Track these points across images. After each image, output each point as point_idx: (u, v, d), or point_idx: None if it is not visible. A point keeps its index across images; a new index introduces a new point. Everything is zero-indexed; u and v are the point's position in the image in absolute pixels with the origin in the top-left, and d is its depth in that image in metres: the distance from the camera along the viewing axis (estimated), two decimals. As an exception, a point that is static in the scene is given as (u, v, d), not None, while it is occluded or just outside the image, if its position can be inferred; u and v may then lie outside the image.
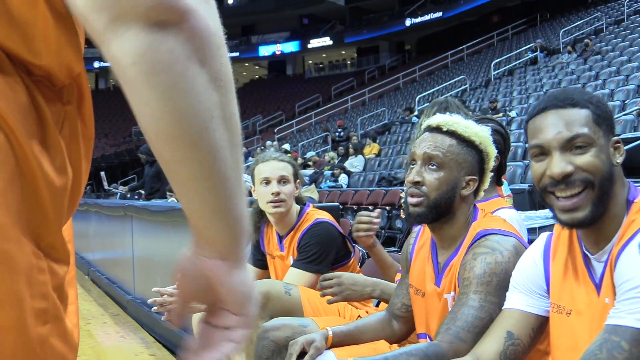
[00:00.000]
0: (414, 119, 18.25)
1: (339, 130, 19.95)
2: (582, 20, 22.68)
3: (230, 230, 0.76)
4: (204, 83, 0.68)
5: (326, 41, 39.33)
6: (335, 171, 13.36)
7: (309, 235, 2.67)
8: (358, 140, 17.39)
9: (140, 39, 0.64)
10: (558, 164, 1.41)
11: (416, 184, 1.87)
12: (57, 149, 0.72)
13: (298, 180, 2.76)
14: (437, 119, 1.92)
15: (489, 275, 1.72)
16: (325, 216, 2.80)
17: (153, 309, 2.57)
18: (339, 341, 1.99)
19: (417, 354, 1.67)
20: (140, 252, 5.92)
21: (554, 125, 1.43)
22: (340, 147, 16.28)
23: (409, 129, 17.58)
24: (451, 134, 1.88)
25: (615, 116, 9.28)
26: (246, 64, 44.77)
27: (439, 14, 33.77)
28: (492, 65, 21.86)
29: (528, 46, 22.42)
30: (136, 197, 10.31)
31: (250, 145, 25.97)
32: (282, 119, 32.13)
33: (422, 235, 2.04)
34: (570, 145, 1.41)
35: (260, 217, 2.85)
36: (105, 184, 12.82)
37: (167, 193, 8.20)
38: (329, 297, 2.32)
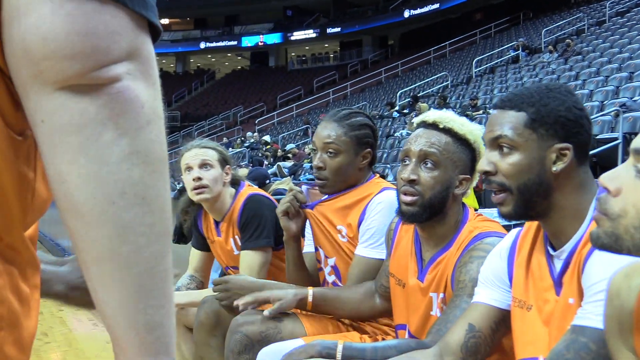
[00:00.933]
0: (395, 114, 18.29)
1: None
2: (564, 21, 22.82)
3: (139, 335, 0.64)
4: (120, 154, 0.61)
5: (309, 34, 39.25)
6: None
7: (246, 212, 2.63)
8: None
9: (54, 97, 0.60)
10: (482, 161, 1.45)
11: (411, 182, 1.83)
12: (23, 144, 0.67)
13: (228, 165, 2.70)
14: (434, 115, 1.88)
15: None
16: (260, 192, 2.77)
17: None
18: (317, 306, 2.03)
19: (405, 350, 1.67)
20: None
21: (490, 124, 1.46)
22: (321, 140, 16.26)
23: (389, 123, 17.60)
24: (447, 131, 1.84)
25: (593, 117, 9.34)
26: (228, 55, 44.61)
27: (436, 5, 33.64)
28: (474, 62, 21.94)
29: (510, 44, 22.53)
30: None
31: (231, 135, 25.90)
32: (264, 110, 32.07)
33: (402, 225, 2.01)
34: (496, 144, 1.43)
35: (188, 203, 2.82)
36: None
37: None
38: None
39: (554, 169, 1.39)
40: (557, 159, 1.39)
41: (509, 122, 1.42)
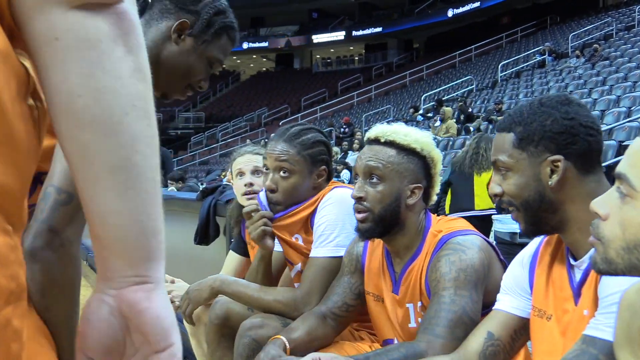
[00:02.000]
0: (419, 118, 18.23)
1: (344, 126, 19.92)
2: (592, 25, 22.59)
3: (148, 240, 0.69)
4: (129, 69, 0.66)
5: (335, 36, 39.26)
6: (337, 167, 13.35)
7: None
8: (362, 137, 17.35)
9: (68, 15, 0.63)
10: (490, 185, 1.50)
11: (359, 199, 1.86)
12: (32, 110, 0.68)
13: None
14: (375, 130, 1.91)
15: (456, 271, 1.72)
16: None
17: None
18: (294, 350, 1.93)
19: (396, 354, 1.66)
20: (138, 239, 5.92)
21: (492, 148, 1.51)
22: (344, 143, 16.26)
23: (413, 127, 17.52)
24: (390, 144, 1.86)
25: (620, 123, 9.25)
26: (254, 56, 44.74)
27: (477, 4, 33.27)
28: (499, 66, 21.81)
29: (536, 49, 22.34)
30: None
31: (255, 137, 25.97)
32: (288, 112, 32.10)
33: (372, 242, 2.02)
34: (497, 168, 1.48)
35: (240, 211, 2.84)
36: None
37: (169, 182, 8.20)
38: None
39: (550, 182, 1.40)
40: (552, 172, 1.41)
41: (501, 145, 1.46)
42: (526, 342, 1.58)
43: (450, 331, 1.65)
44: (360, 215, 1.86)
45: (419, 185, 1.87)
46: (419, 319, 1.86)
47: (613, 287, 1.27)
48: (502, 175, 1.46)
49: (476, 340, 1.58)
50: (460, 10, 33.67)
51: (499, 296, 1.63)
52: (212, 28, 1.47)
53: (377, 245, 2.02)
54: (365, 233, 1.88)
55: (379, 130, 1.89)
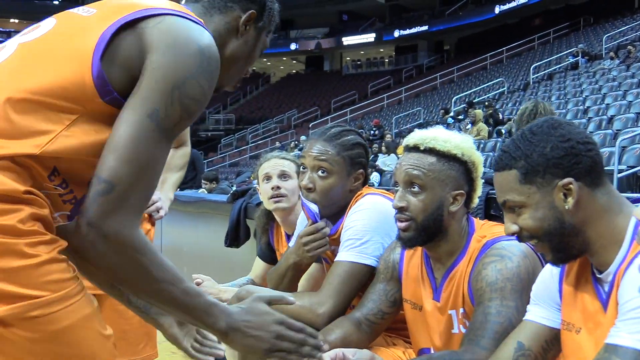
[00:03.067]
0: (449, 120, 18.11)
1: (374, 129, 19.87)
2: (626, 26, 22.24)
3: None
4: None
5: (365, 38, 39.21)
6: (367, 169, 13.30)
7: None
8: (392, 139, 17.29)
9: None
10: (505, 225, 1.47)
11: (401, 209, 1.84)
12: None
13: None
14: (414, 137, 1.87)
15: (502, 281, 1.70)
16: None
17: None
18: None
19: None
20: (169, 242, 5.96)
21: (495, 189, 1.49)
22: (374, 146, 16.22)
23: (452, 131, 17.41)
24: (430, 151, 1.83)
25: (655, 125, 9.10)
26: (284, 59, 44.88)
27: (512, 4, 32.69)
28: (531, 68, 21.58)
29: (569, 50, 22.08)
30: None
31: (285, 139, 26.03)
32: (318, 114, 32.13)
33: (407, 251, 1.99)
34: (507, 208, 1.45)
35: (267, 218, 2.84)
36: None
37: (202, 181, 8.27)
38: None
39: (566, 206, 1.39)
40: (566, 196, 1.39)
41: (506, 184, 1.44)
42: (558, 353, 1.56)
43: (496, 343, 1.62)
44: (402, 225, 1.84)
45: (461, 191, 1.84)
46: (461, 326, 1.84)
47: (630, 292, 1.27)
48: (515, 214, 1.44)
49: (506, 350, 1.56)
50: (499, 9, 33.35)
51: (529, 307, 1.61)
52: (275, 18, 1.45)
53: (415, 252, 1.99)
54: (408, 242, 1.86)
55: (418, 137, 1.86)
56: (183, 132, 2.50)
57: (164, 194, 2.54)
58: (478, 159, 1.88)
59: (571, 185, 1.38)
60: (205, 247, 4.55)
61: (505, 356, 1.55)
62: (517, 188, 1.42)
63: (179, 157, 2.67)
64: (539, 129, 1.43)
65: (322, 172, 2.12)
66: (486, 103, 17.87)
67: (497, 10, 33.13)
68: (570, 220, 1.39)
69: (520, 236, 1.46)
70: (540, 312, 1.57)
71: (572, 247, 1.42)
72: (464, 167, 1.85)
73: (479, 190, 1.91)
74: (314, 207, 2.18)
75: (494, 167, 1.48)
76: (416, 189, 1.83)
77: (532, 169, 1.40)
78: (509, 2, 32.46)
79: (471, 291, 1.79)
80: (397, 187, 1.88)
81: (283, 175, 2.65)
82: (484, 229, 1.87)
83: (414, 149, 1.87)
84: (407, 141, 1.90)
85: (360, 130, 15.10)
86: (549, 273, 1.58)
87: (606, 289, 1.39)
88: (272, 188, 2.62)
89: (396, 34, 37.98)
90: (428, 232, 1.83)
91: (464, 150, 1.84)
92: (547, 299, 1.56)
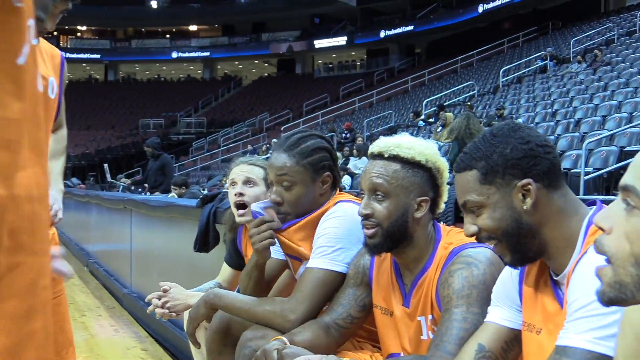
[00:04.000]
0: (420, 123, 18.23)
1: (346, 132, 19.92)
2: (593, 30, 22.58)
3: None
4: None
5: (337, 41, 39.32)
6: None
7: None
8: (363, 142, 17.35)
9: None
10: (465, 226, 1.51)
11: (366, 217, 1.86)
12: None
13: None
14: (379, 145, 1.89)
15: (468, 288, 1.71)
16: None
17: (149, 308, 2.57)
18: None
19: None
20: (138, 246, 5.92)
21: (456, 190, 1.51)
22: (346, 149, 16.26)
23: (414, 132, 17.55)
24: (394, 158, 1.85)
25: (621, 128, 9.24)
26: (255, 61, 44.83)
27: (480, 10, 33.04)
28: (501, 72, 21.81)
29: (538, 54, 22.35)
30: (139, 190, 10.33)
31: (257, 142, 25.98)
32: (290, 117, 32.15)
33: (378, 255, 2.00)
34: (467, 209, 1.48)
35: (235, 220, 2.77)
36: (108, 175, 12.84)
37: (172, 187, 8.22)
38: None
39: (524, 207, 1.42)
40: (524, 196, 1.42)
41: (467, 185, 1.47)
42: (519, 354, 1.58)
43: (461, 349, 1.64)
44: (369, 232, 1.85)
45: (426, 197, 1.85)
46: (430, 332, 1.85)
47: (576, 292, 1.30)
48: (475, 215, 1.47)
49: (467, 352, 1.58)
50: (464, 16, 33.67)
51: (489, 308, 1.63)
52: None
53: (384, 258, 2.00)
54: (374, 248, 1.87)
55: (383, 144, 1.88)
56: (60, 113, 2.42)
57: (54, 188, 2.37)
58: (443, 165, 1.90)
59: (530, 186, 1.41)
60: (175, 252, 4.53)
61: (467, 358, 1.56)
62: (477, 188, 1.45)
63: (57, 140, 2.51)
64: (500, 132, 1.47)
65: (286, 185, 2.14)
66: (469, 103, 18.02)
67: (469, 14, 33.43)
68: (527, 220, 1.42)
69: (479, 237, 1.48)
70: (501, 314, 1.59)
71: (529, 249, 1.45)
72: (428, 173, 1.86)
73: (445, 196, 1.92)
74: (256, 207, 2.19)
75: (455, 169, 1.51)
76: (380, 196, 1.84)
77: (492, 169, 1.43)
78: (480, 6, 32.76)
79: (439, 298, 1.81)
80: (363, 194, 1.89)
81: (248, 182, 2.62)
82: (451, 236, 1.88)
83: (379, 156, 1.88)
84: (372, 148, 1.92)
85: (330, 134, 15.07)
86: (509, 275, 1.61)
87: (563, 290, 1.42)
88: (236, 194, 2.61)
89: (368, 37, 38.13)
90: (393, 239, 1.84)
91: (428, 157, 1.85)
92: (507, 300, 1.58)
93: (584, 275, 1.29)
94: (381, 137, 1.96)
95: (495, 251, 1.51)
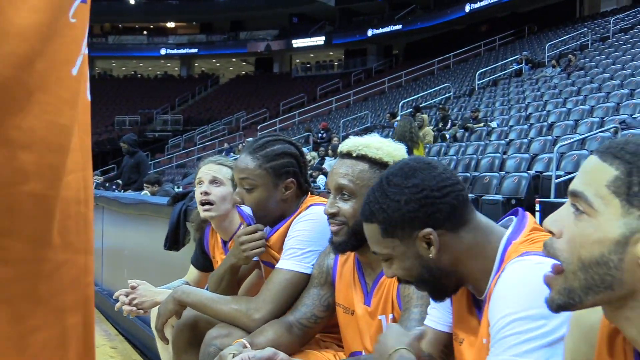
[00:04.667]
0: (396, 124, 18.29)
1: (322, 132, 19.94)
2: (568, 35, 22.83)
3: None
4: None
5: (315, 41, 39.32)
6: (313, 173, 13.35)
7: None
8: (339, 142, 17.38)
9: None
10: (384, 270, 1.48)
11: (332, 215, 1.88)
12: None
13: None
14: (348, 144, 1.90)
15: None
16: None
17: (116, 305, 2.57)
18: None
19: None
20: (110, 243, 5.89)
21: (368, 239, 1.48)
22: (321, 149, 16.29)
23: (390, 133, 17.61)
24: (362, 158, 1.87)
25: (593, 133, 9.38)
26: (233, 60, 44.68)
27: (424, 21, 33.31)
28: (477, 74, 21.96)
29: (514, 58, 22.54)
30: (113, 187, 10.25)
31: (233, 141, 25.91)
32: (266, 116, 32.10)
33: (342, 255, 2.02)
34: (380, 256, 1.46)
35: (203, 219, 2.77)
36: (81, 172, 12.72)
37: (144, 185, 8.16)
38: None
39: (430, 255, 1.39)
40: (428, 245, 1.39)
41: (372, 236, 1.45)
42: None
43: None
44: (334, 228, 1.88)
45: None
46: None
47: (493, 316, 1.29)
48: (387, 262, 1.45)
49: None
50: (443, 19, 33.86)
51: (428, 309, 1.64)
52: None
53: (347, 258, 2.02)
54: (339, 246, 1.89)
55: (352, 143, 1.89)
56: None
57: None
58: None
59: (431, 236, 1.38)
60: (146, 249, 4.52)
61: None
62: (381, 241, 1.43)
63: None
64: (395, 178, 1.42)
65: (247, 187, 2.15)
66: (440, 106, 18.13)
67: (447, 16, 33.61)
68: (437, 265, 1.40)
69: (398, 280, 1.49)
70: (438, 317, 1.60)
71: (446, 287, 1.44)
72: None
73: None
74: (248, 210, 2.19)
75: (361, 216, 1.49)
76: (346, 195, 1.86)
77: (391, 224, 1.40)
78: (458, 9, 32.97)
79: (399, 298, 1.82)
80: (329, 193, 1.91)
81: (214, 181, 2.61)
82: None
83: (347, 155, 1.89)
84: (341, 147, 1.93)
85: (307, 134, 15.05)
86: None
87: (483, 308, 1.42)
88: (201, 193, 2.61)
89: (346, 37, 38.18)
90: (358, 237, 1.84)
91: (396, 158, 1.85)
92: (443, 304, 1.58)
93: (500, 296, 1.29)
94: (351, 137, 1.97)
95: (418, 290, 1.51)
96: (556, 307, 1.03)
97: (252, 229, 2.18)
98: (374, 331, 1.91)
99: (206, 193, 2.59)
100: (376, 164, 1.86)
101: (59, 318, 0.78)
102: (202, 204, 2.60)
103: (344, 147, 1.91)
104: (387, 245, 1.42)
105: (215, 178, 2.62)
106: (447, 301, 1.57)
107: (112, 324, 5.16)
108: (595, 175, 0.99)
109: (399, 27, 35.68)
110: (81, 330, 0.85)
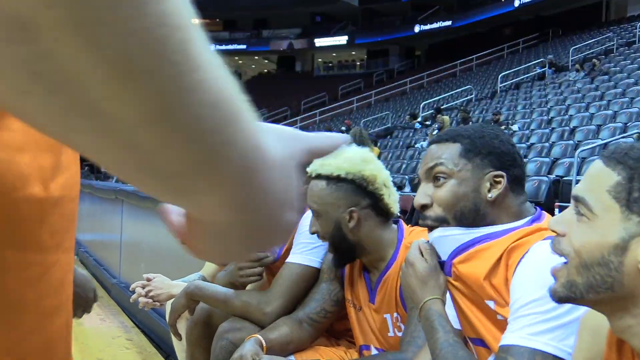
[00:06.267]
0: (417, 125, 18.25)
1: (343, 129, 19.94)
2: (593, 40, 22.64)
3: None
4: None
5: (337, 40, 39.33)
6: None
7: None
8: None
9: None
10: (417, 196, 1.48)
11: (314, 233, 1.97)
12: None
13: None
14: (310, 167, 1.93)
15: None
16: None
17: (132, 297, 2.59)
18: (270, 349, 1.95)
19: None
20: (128, 236, 5.93)
21: (425, 158, 1.50)
22: (341, 148, 16.26)
23: (410, 134, 17.56)
24: (319, 177, 1.92)
25: (615, 138, 9.28)
26: (255, 57, 44.79)
27: (448, 23, 33.61)
28: (499, 77, 21.85)
29: (537, 61, 22.40)
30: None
31: (253, 138, 25.94)
32: (287, 114, 32.12)
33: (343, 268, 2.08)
34: (431, 176, 1.47)
35: None
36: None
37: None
38: None
39: (489, 196, 1.43)
40: (492, 186, 1.43)
41: (443, 152, 1.46)
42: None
43: None
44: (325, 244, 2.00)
45: (354, 208, 1.89)
46: (396, 329, 1.89)
47: (517, 292, 1.30)
48: (436, 184, 1.46)
49: (426, 351, 1.60)
50: (466, 20, 33.75)
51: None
52: None
53: None
54: (335, 263, 2.00)
55: (312, 165, 1.93)
56: None
57: None
58: (370, 172, 1.90)
59: (502, 179, 1.43)
60: (164, 243, 4.55)
61: (428, 356, 1.59)
62: (454, 158, 1.45)
63: None
64: (490, 127, 1.51)
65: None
66: (461, 108, 18.06)
67: (470, 18, 33.57)
68: (484, 209, 1.43)
69: (425, 213, 1.48)
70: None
71: (472, 229, 1.45)
72: (352, 184, 1.89)
73: (391, 197, 1.93)
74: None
75: (434, 140, 1.52)
76: (316, 215, 1.94)
77: (476, 148, 1.44)
78: (481, 12, 32.85)
79: (403, 298, 1.85)
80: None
81: None
82: (413, 235, 1.91)
83: (310, 177, 1.95)
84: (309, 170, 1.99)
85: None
86: None
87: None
88: None
89: (368, 37, 38.16)
90: (342, 250, 1.93)
91: (348, 169, 1.88)
92: (448, 302, 1.57)
93: (526, 274, 1.31)
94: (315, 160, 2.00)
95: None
96: (558, 298, 1.08)
97: (256, 258, 2.22)
98: (380, 328, 1.93)
99: None
100: (331, 179, 1.91)
101: (47, 321, 0.77)
102: None
103: (309, 169, 1.97)
104: (457, 163, 1.44)
105: None
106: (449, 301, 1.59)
107: (128, 316, 5.20)
108: (598, 180, 1.03)
109: (422, 27, 35.62)
110: (64, 331, 0.84)
